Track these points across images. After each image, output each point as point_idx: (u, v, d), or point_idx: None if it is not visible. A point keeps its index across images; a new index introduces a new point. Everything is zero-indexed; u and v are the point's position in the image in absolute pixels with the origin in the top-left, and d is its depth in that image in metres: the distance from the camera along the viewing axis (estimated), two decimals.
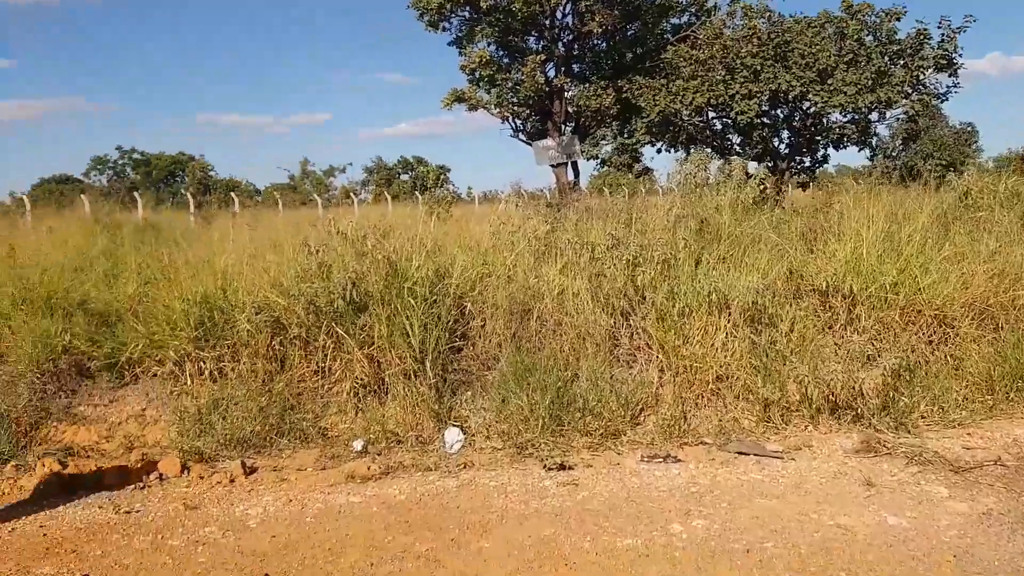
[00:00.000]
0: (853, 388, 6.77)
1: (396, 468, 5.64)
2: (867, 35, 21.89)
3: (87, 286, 8.31)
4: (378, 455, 6.06)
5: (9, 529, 4.62)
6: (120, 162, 51.16)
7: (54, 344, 6.94)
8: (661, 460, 5.74)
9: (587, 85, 22.87)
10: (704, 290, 7.28)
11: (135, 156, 51.16)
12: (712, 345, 7.07)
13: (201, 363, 6.91)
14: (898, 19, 21.60)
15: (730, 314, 7.23)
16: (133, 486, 5.33)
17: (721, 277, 7.51)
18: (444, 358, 6.89)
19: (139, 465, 5.64)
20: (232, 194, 24.76)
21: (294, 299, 7.12)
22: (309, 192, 37.06)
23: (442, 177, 45.39)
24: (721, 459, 5.77)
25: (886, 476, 5.31)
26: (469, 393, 6.91)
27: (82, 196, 19.75)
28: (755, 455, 5.84)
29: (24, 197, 23.53)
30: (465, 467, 5.65)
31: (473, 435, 6.40)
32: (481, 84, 22.78)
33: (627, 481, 5.28)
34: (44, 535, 4.52)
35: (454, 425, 6.46)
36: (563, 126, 23.04)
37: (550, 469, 5.52)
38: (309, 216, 15.75)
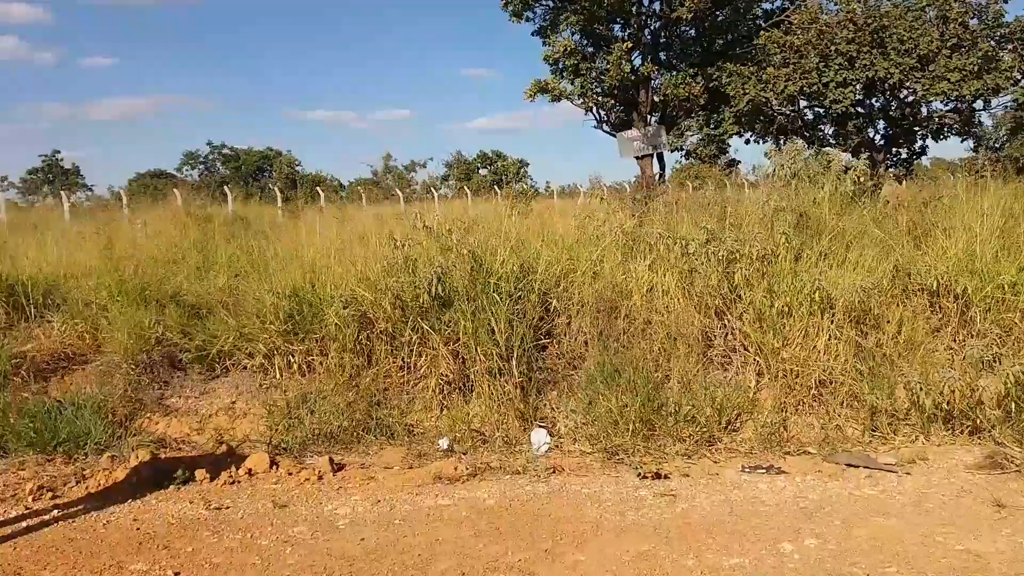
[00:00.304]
0: (971, 397, 6.25)
1: (483, 469, 5.48)
2: (972, 18, 20.63)
3: (179, 278, 8.45)
4: (464, 455, 5.93)
5: (104, 522, 4.66)
6: (211, 157, 52.98)
7: (148, 336, 7.06)
8: (764, 471, 5.40)
9: (674, 73, 22.24)
10: (805, 288, 6.87)
11: (225, 151, 52.85)
12: (814, 347, 6.66)
13: (290, 356, 6.92)
14: (1005, 0, 20.29)
15: (833, 314, 6.80)
16: (223, 481, 5.34)
17: (823, 274, 7.08)
18: (529, 356, 6.71)
19: (229, 459, 5.65)
20: (318, 188, 25.20)
21: (381, 293, 7.05)
22: (391, 187, 37.44)
23: (522, 171, 45.29)
24: (829, 471, 5.39)
25: (1017, 496, 4.84)
26: (555, 393, 6.71)
27: (175, 190, 20.37)
28: (866, 468, 5.43)
29: (122, 191, 24.52)
30: (554, 472, 5.44)
31: (560, 437, 6.20)
32: (565, 74, 22.37)
33: (729, 494, 4.97)
34: (137, 529, 4.54)
35: (540, 426, 6.27)
36: (649, 116, 22.44)
37: (644, 477, 5.26)
38: (392, 210, 15.83)
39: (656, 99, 22.72)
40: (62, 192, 23.87)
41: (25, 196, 40.98)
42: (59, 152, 51.95)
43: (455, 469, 5.46)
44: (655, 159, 22.46)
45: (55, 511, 4.82)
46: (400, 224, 9.03)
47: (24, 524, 4.63)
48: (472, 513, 4.68)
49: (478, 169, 50.17)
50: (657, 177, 21.83)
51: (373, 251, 7.87)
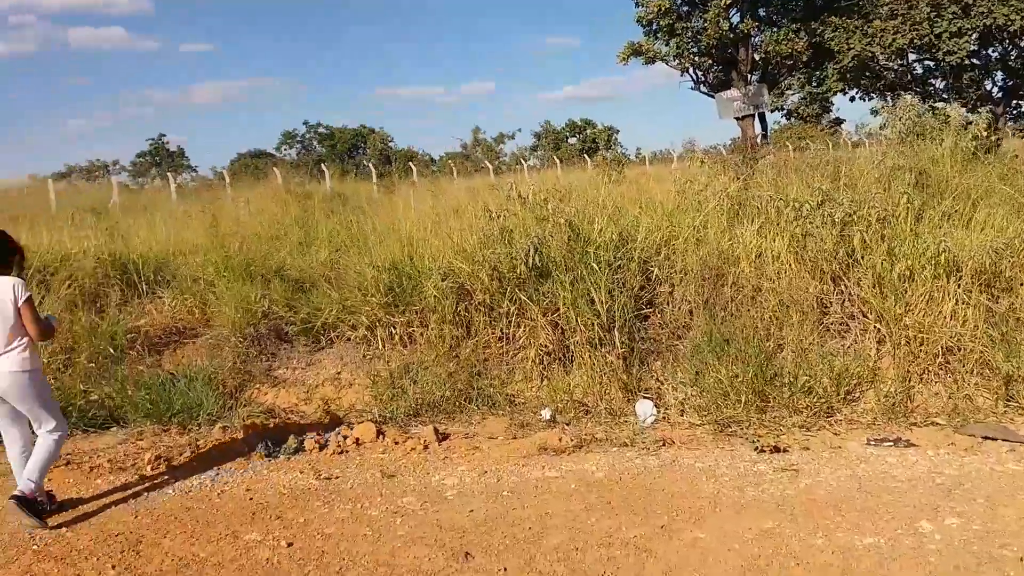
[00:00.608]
0: None
1: (589, 441, 5.34)
2: None
3: (283, 254, 8.63)
4: (567, 425, 5.82)
5: (218, 492, 4.76)
6: (307, 136, 54.35)
7: (254, 309, 7.22)
8: (891, 444, 5.05)
9: (775, 30, 21.18)
10: (929, 250, 6.40)
11: (320, 130, 54.11)
12: (940, 313, 6.20)
13: (391, 328, 6.95)
14: None
15: (960, 277, 6.31)
16: (332, 451, 5.39)
17: (948, 235, 6.57)
18: (631, 326, 6.50)
19: (336, 429, 5.70)
20: (410, 163, 25.47)
21: (478, 265, 6.99)
22: (481, 159, 37.53)
23: (612, 138, 44.49)
24: (964, 444, 5.00)
25: None
26: (659, 364, 6.49)
27: (274, 169, 20.98)
28: (1006, 440, 5.00)
29: (224, 172, 25.44)
30: (664, 444, 5.25)
31: (666, 408, 5.99)
32: (659, 35, 21.64)
33: (856, 468, 4.66)
34: (250, 499, 4.62)
35: (646, 397, 6.08)
36: (749, 75, 21.49)
37: (762, 451, 5.00)
38: (483, 183, 15.78)
39: (756, 57, 21.71)
40: (169, 174, 24.96)
41: (135, 179, 43.08)
42: (165, 135, 54.39)
43: (560, 440, 5.35)
44: (756, 119, 21.55)
45: (172, 480, 4.97)
46: (493, 195, 8.93)
47: (144, 493, 4.78)
48: (581, 486, 4.55)
49: (567, 138, 49.62)
50: (759, 138, 20.95)
51: (468, 223, 7.81)
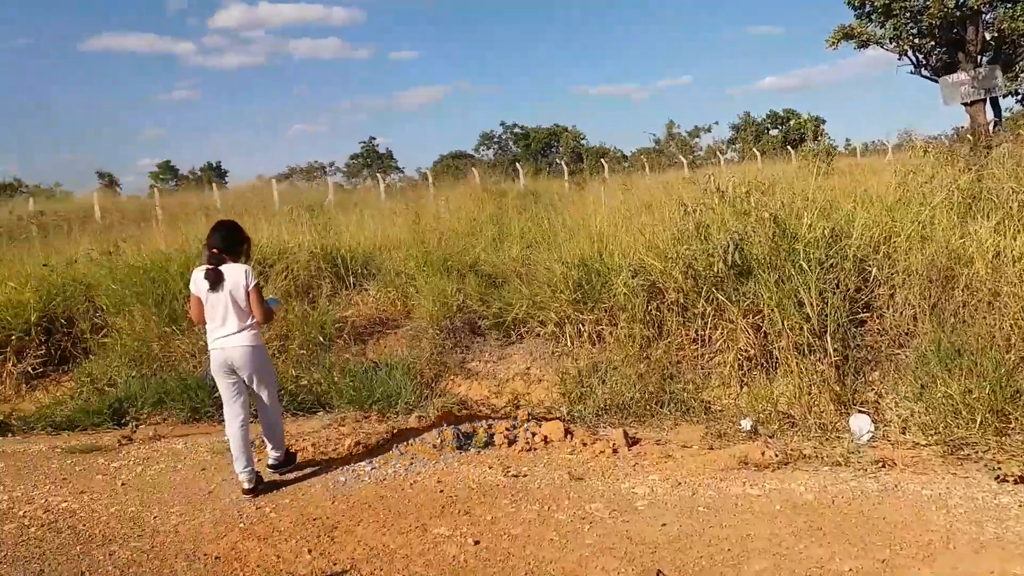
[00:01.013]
0: None
1: (796, 457, 4.89)
2: None
3: (477, 250, 8.80)
4: (770, 438, 5.38)
5: (411, 482, 4.86)
6: (504, 136, 55.88)
7: (450, 303, 7.40)
8: None
9: (1011, 5, 18.71)
10: None
11: (516, 131, 55.46)
12: None
13: (580, 325, 6.84)
14: None
15: None
16: (520, 447, 5.34)
17: None
18: (844, 331, 5.92)
19: (525, 425, 5.65)
20: (602, 160, 25.34)
21: (671, 262, 6.69)
22: (674, 154, 36.61)
23: (819, 128, 41.70)
24: None
25: None
26: (877, 374, 5.86)
27: (473, 169, 21.70)
28: None
29: (427, 172, 26.72)
30: (883, 466, 4.69)
31: (885, 425, 5.37)
32: (874, 17, 19.87)
33: None
34: (440, 491, 4.66)
35: (861, 412, 5.49)
36: (979, 57, 19.16)
37: (1003, 480, 4.32)
38: (676, 177, 15.30)
39: (987, 36, 19.30)
40: (378, 175, 26.60)
41: (349, 179, 46.41)
42: (375, 138, 57.95)
43: (762, 454, 4.94)
44: (988, 105, 19.16)
45: (368, 467, 5.13)
46: (688, 189, 8.56)
47: (342, 478, 4.97)
48: (786, 507, 4.15)
49: (768, 130, 47.13)
50: (991, 125, 18.60)
51: (661, 218, 7.52)
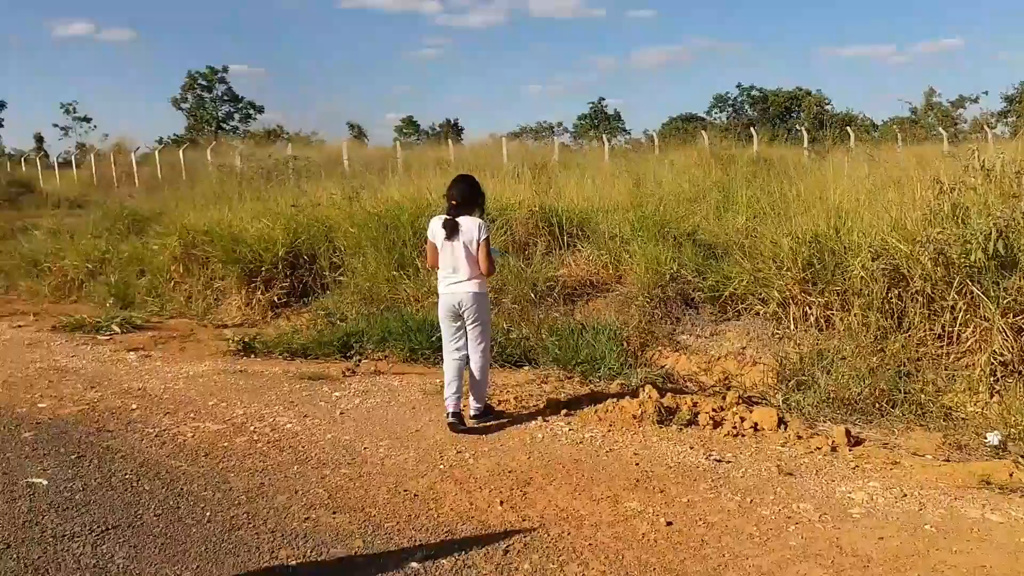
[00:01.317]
0: None
1: None
2: None
3: (698, 217, 8.43)
4: (1022, 457, 4.64)
5: (607, 450, 4.76)
6: (739, 99, 53.32)
7: (663, 271, 7.15)
8: None
9: None
10: None
11: (753, 93, 52.68)
12: None
13: (807, 308, 6.34)
14: None
15: None
16: (726, 431, 5.05)
17: None
18: None
19: (734, 408, 5.33)
20: (847, 128, 23.31)
21: (919, 246, 5.98)
22: (932, 125, 32.76)
23: None
24: None
25: None
26: None
27: (702, 132, 20.87)
28: None
29: (654, 134, 26.13)
30: None
31: None
32: None
33: None
34: (636, 464, 4.52)
35: None
36: None
37: None
38: (934, 151, 13.65)
39: None
40: (604, 136, 26.44)
41: (576, 139, 46.63)
42: (604, 99, 57.73)
43: (1010, 475, 4.27)
44: None
45: (567, 428, 5.12)
46: (946, 165, 7.56)
47: (539, 435, 5.00)
48: None
49: None
50: None
51: (911, 197, 6.70)
